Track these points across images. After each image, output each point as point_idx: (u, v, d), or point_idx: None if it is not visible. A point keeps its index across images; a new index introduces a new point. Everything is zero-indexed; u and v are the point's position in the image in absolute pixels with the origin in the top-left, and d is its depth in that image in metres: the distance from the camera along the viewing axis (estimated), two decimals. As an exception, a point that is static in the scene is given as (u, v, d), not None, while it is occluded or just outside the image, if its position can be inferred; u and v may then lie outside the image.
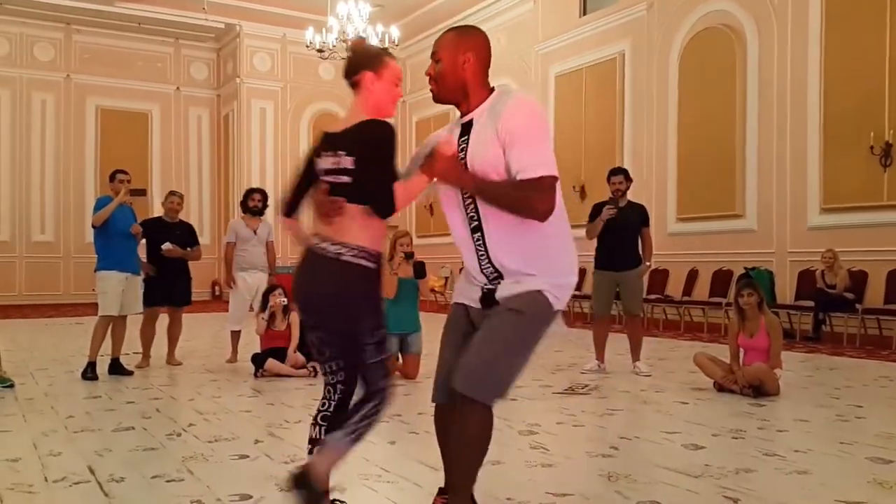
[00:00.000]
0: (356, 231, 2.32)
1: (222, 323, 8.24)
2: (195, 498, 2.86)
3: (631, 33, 12.14)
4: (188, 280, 6.78)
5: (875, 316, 8.39)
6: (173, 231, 6.62)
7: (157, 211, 7.21)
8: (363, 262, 2.33)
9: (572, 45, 13.29)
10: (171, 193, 6.88)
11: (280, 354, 6.04)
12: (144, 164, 16.62)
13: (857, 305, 8.30)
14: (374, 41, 11.85)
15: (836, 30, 9.12)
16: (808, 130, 9.44)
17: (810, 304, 8.75)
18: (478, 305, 2.35)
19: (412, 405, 4.88)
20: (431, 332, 9.23)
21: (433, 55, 2.35)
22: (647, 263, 6.43)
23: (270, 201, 7.55)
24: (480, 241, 2.28)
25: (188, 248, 6.67)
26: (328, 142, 2.40)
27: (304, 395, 5.23)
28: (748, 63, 10.27)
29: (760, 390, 4.97)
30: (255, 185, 9.62)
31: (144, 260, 6.50)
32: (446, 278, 15.84)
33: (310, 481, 2.22)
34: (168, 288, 6.53)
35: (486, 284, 2.32)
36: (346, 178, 2.32)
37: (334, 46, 11.72)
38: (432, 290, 14.62)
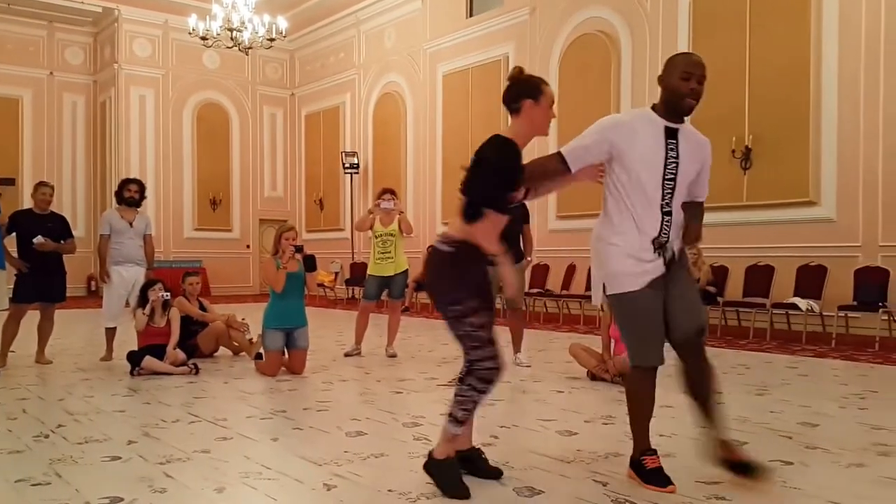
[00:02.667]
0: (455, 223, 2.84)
1: (97, 319, 7.85)
2: (63, 501, 2.75)
3: (514, 36, 12.51)
4: (63, 275, 6.44)
5: (735, 308, 9.09)
6: (45, 223, 6.26)
7: (28, 202, 6.80)
8: (444, 248, 2.82)
9: (459, 46, 13.54)
10: (42, 184, 6.50)
11: (159, 352, 5.84)
12: (15, 152, 15.69)
13: (719, 298, 8.95)
14: (260, 31, 11.60)
15: (703, 42, 9.78)
16: (678, 135, 10.07)
17: (678, 297, 9.33)
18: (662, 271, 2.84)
19: (297, 400, 4.86)
20: (319, 327, 9.21)
21: (703, 77, 2.91)
22: (528, 259, 6.65)
23: (149, 192, 7.25)
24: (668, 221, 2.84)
25: (62, 241, 6.34)
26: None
27: (184, 392, 5.10)
28: (622, 68, 10.84)
29: (630, 378, 5.29)
30: (134, 176, 9.20)
31: (15, 255, 6.13)
32: (336, 273, 15.72)
33: (430, 460, 2.87)
34: (42, 284, 6.19)
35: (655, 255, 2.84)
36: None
37: (218, 34, 11.39)
38: (321, 285, 14.48)
